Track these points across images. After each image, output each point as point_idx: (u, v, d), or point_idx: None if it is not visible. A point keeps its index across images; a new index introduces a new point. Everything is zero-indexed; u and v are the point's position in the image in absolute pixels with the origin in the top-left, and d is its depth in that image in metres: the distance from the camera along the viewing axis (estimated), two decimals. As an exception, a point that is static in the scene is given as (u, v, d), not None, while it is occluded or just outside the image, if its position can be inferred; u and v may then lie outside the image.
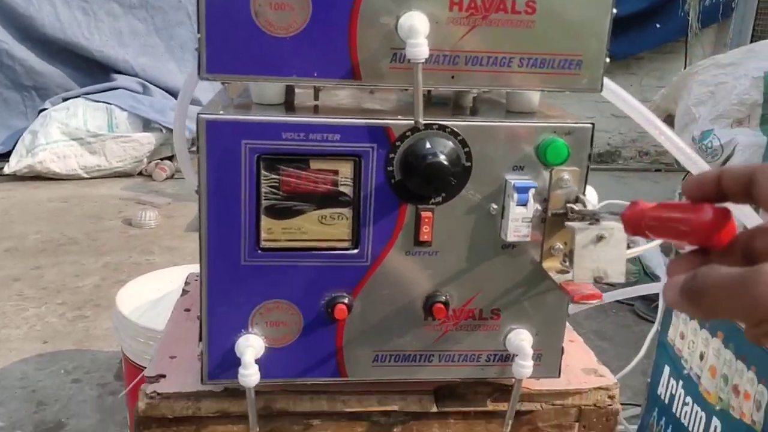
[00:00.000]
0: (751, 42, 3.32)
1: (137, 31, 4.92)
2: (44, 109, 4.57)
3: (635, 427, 1.55)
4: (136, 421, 0.76)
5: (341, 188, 0.67)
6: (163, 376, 0.78)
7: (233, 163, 0.65)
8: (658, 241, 0.86)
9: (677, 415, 1.33)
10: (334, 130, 0.65)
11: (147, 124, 4.63)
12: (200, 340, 0.71)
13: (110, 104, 4.54)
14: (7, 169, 4.39)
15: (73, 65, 4.81)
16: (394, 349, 0.74)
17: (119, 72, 4.83)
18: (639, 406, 1.60)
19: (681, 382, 1.33)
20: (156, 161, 4.69)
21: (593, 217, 0.65)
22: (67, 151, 4.44)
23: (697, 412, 1.27)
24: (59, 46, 4.74)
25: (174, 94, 4.81)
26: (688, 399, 1.30)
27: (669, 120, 3.04)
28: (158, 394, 0.75)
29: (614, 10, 0.66)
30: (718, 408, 1.21)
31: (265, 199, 0.66)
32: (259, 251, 0.68)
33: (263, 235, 0.67)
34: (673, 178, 4.48)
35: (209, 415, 0.76)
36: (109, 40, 4.82)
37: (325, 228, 0.68)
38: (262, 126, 0.64)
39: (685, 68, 3.34)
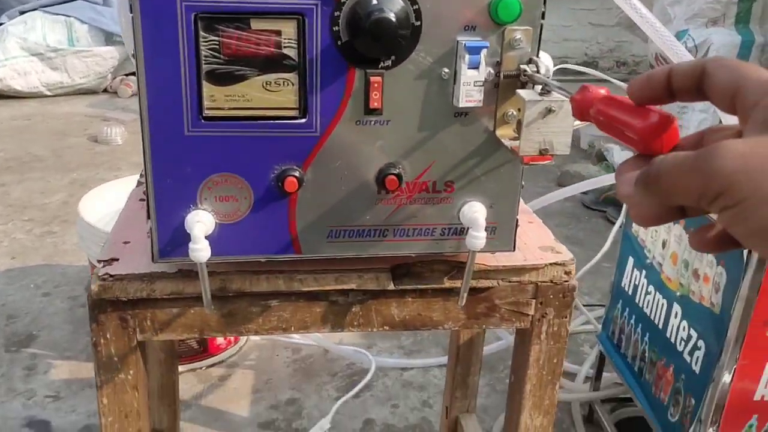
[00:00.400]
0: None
1: (93, -64, 4.68)
2: (1, 24, 4.39)
3: (600, 324, 1.58)
4: (90, 305, 0.75)
5: (285, 50, 0.64)
6: (116, 259, 0.77)
7: (169, 23, 0.61)
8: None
9: (640, 304, 1.36)
10: (274, -14, 0.61)
11: (109, 38, 4.47)
12: (148, 217, 0.70)
13: (69, 17, 4.37)
14: (-34, 86, 4.25)
15: (27, -24, 4.60)
16: (348, 225, 0.73)
17: (76, -18, 4.62)
18: (602, 306, 1.64)
19: (644, 272, 1.35)
20: (121, 77, 4.56)
21: (544, 87, 0.63)
22: (27, 67, 4.29)
23: (658, 300, 1.29)
24: (12, -44, 4.52)
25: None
26: (651, 288, 1.32)
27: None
28: (111, 276, 0.74)
29: None
30: (678, 294, 1.23)
31: (205, 63, 0.63)
32: (203, 120, 0.65)
33: (206, 103, 0.64)
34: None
35: (164, 297, 0.75)
36: (64, -53, 4.59)
37: (270, 95, 0.65)
38: (197, -20, 0.60)
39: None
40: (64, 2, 4.48)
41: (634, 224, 1.39)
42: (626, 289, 1.42)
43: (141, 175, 1.04)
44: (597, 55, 5.30)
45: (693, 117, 2.73)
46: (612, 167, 3.15)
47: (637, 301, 1.37)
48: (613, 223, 2.76)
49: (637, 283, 1.37)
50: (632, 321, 1.39)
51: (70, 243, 2.43)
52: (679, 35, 2.79)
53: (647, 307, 1.33)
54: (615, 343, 1.46)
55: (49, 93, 4.39)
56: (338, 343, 1.84)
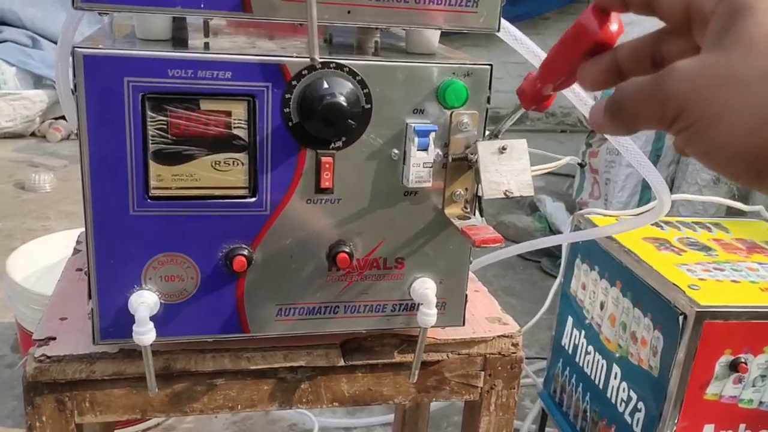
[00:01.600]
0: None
1: (24, -22, 4.58)
2: None
3: (542, 379, 1.60)
4: (26, 387, 0.71)
5: (235, 131, 0.63)
6: (53, 338, 0.73)
7: (115, 103, 0.60)
8: (561, 162, 0.87)
9: (580, 364, 1.38)
10: (226, 68, 0.61)
11: (38, 81, 4.35)
12: (89, 297, 0.67)
13: (-3, 59, 4.24)
14: None
15: (-47, 17, 4.45)
16: (298, 302, 0.72)
17: (5, 24, 4.50)
18: (546, 359, 1.66)
19: (583, 332, 1.38)
20: (50, 121, 4.43)
21: (493, 133, 0.65)
22: (-50, 110, 4.13)
23: (598, 360, 1.32)
24: (-62, -4, 4.37)
25: (68, 49, 4.53)
26: (590, 348, 1.35)
27: (572, 79, 3.11)
28: (48, 357, 0.71)
29: None
30: (617, 355, 1.25)
31: (152, 143, 0.62)
32: (149, 200, 0.63)
33: (152, 182, 0.63)
34: (577, 138, 4.62)
35: (104, 378, 0.72)
36: (-7, -12, 4.48)
37: (219, 175, 0.64)
38: (147, 61, 0.59)
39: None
40: (-8, 43, 4.37)
41: (572, 284, 1.42)
42: (566, 347, 1.45)
43: (77, 242, 1.00)
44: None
45: (620, 171, 2.83)
46: (544, 218, 3.23)
47: (577, 360, 1.39)
48: (548, 273, 2.83)
49: (576, 342, 1.40)
50: (573, 380, 1.41)
51: (-7, 298, 2.32)
52: (605, 94, 2.91)
53: (587, 366, 1.35)
54: (557, 401, 1.48)
55: (-27, 136, 4.23)
56: (278, 403, 1.80)
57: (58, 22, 4.62)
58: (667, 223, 1.38)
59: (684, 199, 1.63)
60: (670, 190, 2.94)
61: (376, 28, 0.89)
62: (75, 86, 0.59)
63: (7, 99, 4.23)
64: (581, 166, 2.84)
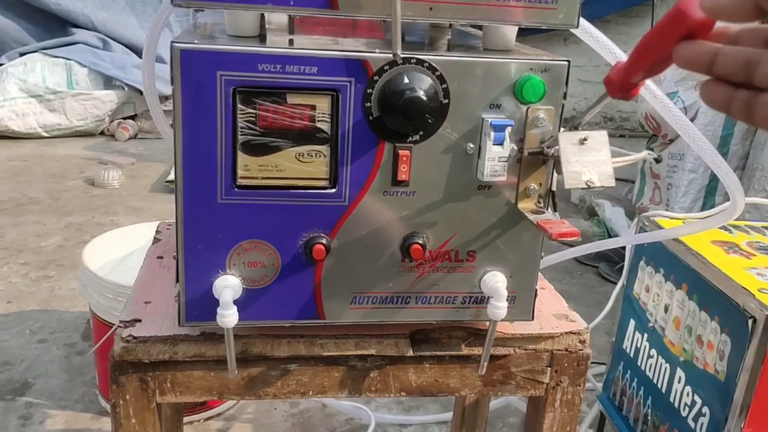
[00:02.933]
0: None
1: (96, -18, 4.75)
2: (0, 65, 4.42)
3: (601, 384, 1.59)
4: (112, 366, 0.75)
5: (319, 124, 0.66)
6: (139, 320, 0.77)
7: (208, 95, 0.63)
8: (640, 156, 0.87)
9: (642, 367, 1.37)
10: (312, 63, 0.64)
11: (108, 82, 4.50)
12: (177, 281, 0.70)
13: (69, 60, 4.40)
14: (-36, 126, 4.25)
15: (29, 19, 4.64)
16: (371, 291, 0.74)
17: (78, 26, 4.67)
18: (604, 364, 1.64)
19: (646, 335, 1.37)
20: (118, 120, 4.58)
21: (574, 124, 0.66)
22: (25, 109, 4.31)
23: (661, 364, 1.30)
24: (15, -2, 4.57)
25: (135, 50, 4.68)
26: (653, 351, 1.33)
27: (635, 82, 3.06)
28: (134, 337, 0.74)
29: None
30: (682, 359, 1.24)
31: (241, 135, 0.65)
32: (236, 189, 0.67)
33: (240, 172, 0.66)
34: (636, 144, 4.53)
35: (186, 360, 0.76)
36: (67, -8, 4.66)
37: (302, 166, 0.67)
38: (238, 56, 0.62)
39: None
40: (64, 45, 4.54)
41: (635, 287, 1.41)
42: (628, 351, 1.43)
43: (157, 231, 1.05)
44: (584, 111, 5.39)
45: (683, 176, 2.78)
46: (603, 222, 3.19)
47: (639, 363, 1.38)
48: (605, 278, 2.79)
49: (638, 345, 1.38)
50: (634, 383, 1.40)
51: (66, 288, 2.41)
52: (670, 96, 2.86)
53: (650, 370, 1.34)
54: (616, 404, 1.47)
55: (46, 134, 4.40)
56: (336, 398, 1.83)
57: (128, 25, 4.79)
58: (735, 227, 1.35)
59: (754, 203, 1.60)
60: (737, 196, 2.84)
61: (449, 26, 0.92)
62: (172, 79, 0.62)
63: (78, 99, 4.40)
64: (657, 161, 2.79)
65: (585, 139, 0.63)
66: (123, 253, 1.72)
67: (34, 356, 2.00)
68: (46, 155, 4.07)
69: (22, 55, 4.48)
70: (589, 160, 0.63)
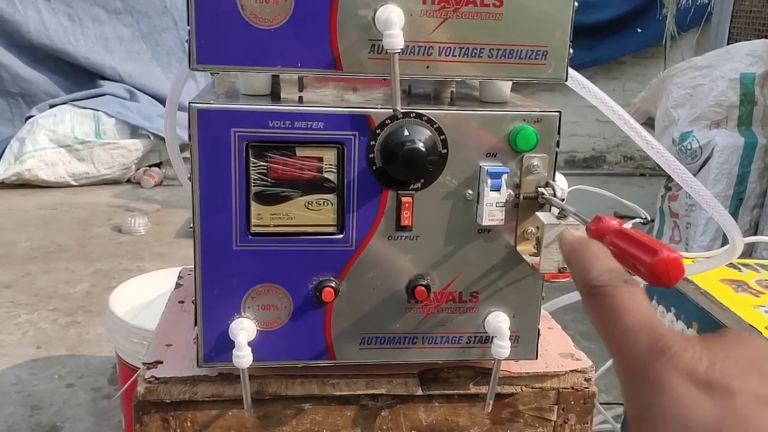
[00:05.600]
0: (728, 44, 3.39)
1: (123, 36, 4.93)
2: (31, 116, 4.59)
3: (620, 425, 1.59)
4: (135, 406, 0.79)
5: (326, 174, 0.71)
6: (161, 362, 0.81)
7: (223, 150, 0.68)
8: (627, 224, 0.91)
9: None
10: (318, 119, 0.69)
11: (134, 131, 4.65)
12: (195, 324, 0.75)
13: (97, 111, 4.56)
14: (-5, 177, 4.40)
15: (59, 72, 4.83)
16: (379, 332, 0.77)
17: (105, 78, 4.85)
18: (623, 405, 1.64)
19: (661, 372, 1.37)
20: (144, 168, 4.71)
21: (562, 212, 0.69)
22: (55, 158, 4.45)
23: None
24: (45, 53, 4.75)
25: (161, 100, 4.83)
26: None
27: (649, 122, 3.11)
28: (156, 378, 0.78)
29: (575, 3, 0.71)
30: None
31: (254, 186, 0.70)
32: (250, 236, 0.71)
33: (253, 220, 0.71)
34: (656, 183, 4.54)
35: (204, 399, 0.79)
36: (95, 46, 4.83)
37: (311, 214, 0.72)
38: (250, 114, 0.68)
39: (662, 72, 3.41)
40: (93, 97, 4.71)
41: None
42: (644, 389, 1.44)
43: (179, 276, 1.10)
44: (604, 150, 5.43)
45: (701, 215, 2.78)
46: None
47: (655, 401, 1.38)
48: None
49: (654, 383, 1.39)
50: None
51: (93, 333, 2.47)
52: (684, 136, 2.88)
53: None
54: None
55: (74, 183, 4.54)
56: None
57: (153, 76, 4.95)
58: (745, 265, 1.37)
59: (763, 242, 1.61)
60: (755, 233, 2.84)
61: (453, 81, 0.97)
62: (189, 136, 0.68)
63: (106, 148, 4.54)
64: (644, 223, 2.82)
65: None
66: (148, 299, 1.77)
67: (62, 400, 2.05)
68: (74, 203, 4.19)
69: (52, 107, 4.65)
70: None
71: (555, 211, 0.70)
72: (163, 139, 4.59)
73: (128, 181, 4.69)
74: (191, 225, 0.72)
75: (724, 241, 2.80)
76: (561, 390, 0.85)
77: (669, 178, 3.05)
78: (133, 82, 4.87)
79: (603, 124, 5.10)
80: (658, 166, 0.87)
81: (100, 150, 4.53)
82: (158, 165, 4.77)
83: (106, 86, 4.80)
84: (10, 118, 4.82)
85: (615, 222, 0.55)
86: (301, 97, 0.77)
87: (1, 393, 2.08)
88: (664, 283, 0.47)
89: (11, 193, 4.32)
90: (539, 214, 0.69)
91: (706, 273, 1.27)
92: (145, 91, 4.87)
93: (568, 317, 2.86)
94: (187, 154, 0.71)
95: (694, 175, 2.82)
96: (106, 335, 1.77)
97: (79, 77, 4.87)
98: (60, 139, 4.47)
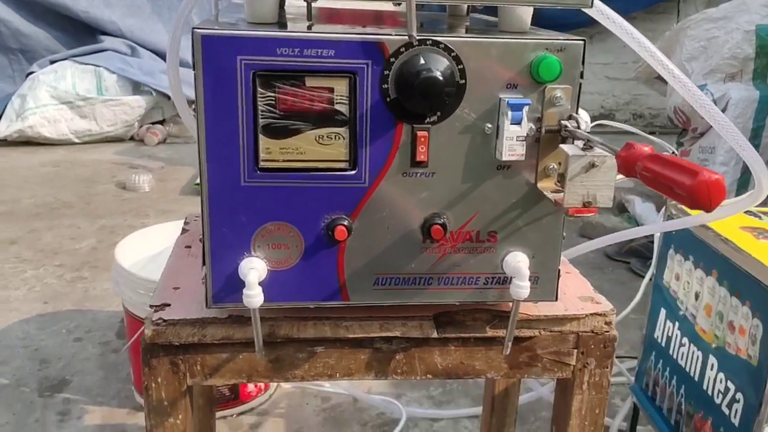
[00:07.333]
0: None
1: (123, -10, 4.84)
2: (32, 72, 4.52)
3: (632, 377, 1.57)
4: (143, 348, 0.77)
5: (337, 106, 0.67)
6: (168, 304, 0.79)
7: (229, 79, 0.64)
8: None
9: (674, 356, 1.35)
10: (329, 46, 0.65)
11: (137, 87, 4.59)
12: (203, 264, 0.72)
13: (99, 66, 4.49)
14: (-2, 133, 4.35)
15: (59, 27, 4.75)
16: (393, 273, 0.75)
17: (106, 33, 4.77)
18: (636, 358, 1.62)
19: (677, 324, 1.35)
20: (147, 125, 4.66)
21: (587, 143, 0.65)
22: (57, 115, 4.40)
23: (693, 351, 1.29)
24: (44, 7, 4.66)
25: (162, 56, 4.75)
26: (685, 340, 1.32)
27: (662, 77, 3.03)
28: (164, 321, 0.76)
29: None
30: (714, 346, 1.22)
31: (262, 118, 0.66)
32: (258, 171, 0.68)
33: (262, 155, 0.68)
34: (667, 140, 4.47)
35: (214, 342, 0.77)
36: (95, 0, 4.74)
37: (322, 148, 0.68)
38: (257, 41, 0.64)
39: (675, 25, 3.32)
40: (94, 53, 4.63)
41: (665, 275, 1.39)
42: (659, 340, 1.42)
43: (185, 222, 1.07)
44: (613, 108, 5.34)
45: (713, 170, 2.73)
46: (633, 218, 3.15)
47: (671, 352, 1.36)
48: (637, 274, 2.75)
49: (670, 334, 1.37)
50: (667, 373, 1.38)
51: (100, 288, 2.46)
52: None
53: (682, 359, 1.32)
54: (649, 395, 1.45)
55: (77, 140, 4.49)
56: (367, 392, 1.83)
57: (155, 31, 4.87)
58: (765, 213, 1.33)
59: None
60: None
61: (466, 14, 0.92)
62: (193, 64, 0.64)
63: (108, 105, 4.48)
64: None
65: (594, 164, 0.63)
66: (155, 251, 1.75)
67: (71, 354, 2.04)
68: (77, 161, 4.15)
69: (52, 62, 4.59)
70: (593, 183, 0.63)
71: (579, 143, 0.67)
72: (165, 95, 4.54)
73: (131, 138, 4.64)
74: (196, 182, 0.69)
75: (737, 195, 2.77)
76: (581, 333, 0.83)
77: (680, 134, 2.99)
78: (134, 38, 4.79)
79: (612, 81, 5.01)
80: (670, 120, 0.84)
81: (102, 107, 4.48)
82: (161, 122, 4.72)
83: (107, 41, 4.72)
84: (11, 75, 4.76)
85: (647, 148, 0.52)
86: (310, 26, 0.73)
87: (9, 347, 2.07)
88: (705, 205, 0.44)
89: (14, 151, 4.28)
90: (564, 146, 0.66)
91: (725, 221, 1.23)
92: (146, 47, 4.79)
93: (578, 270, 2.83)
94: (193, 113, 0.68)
95: (709, 128, 2.77)
96: (112, 289, 1.75)
97: (79, 33, 4.78)
98: (61, 95, 4.41)
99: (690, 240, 1.28)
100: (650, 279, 1.44)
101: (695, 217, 1.17)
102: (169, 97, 4.54)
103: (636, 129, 0.97)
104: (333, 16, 0.86)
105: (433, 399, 1.87)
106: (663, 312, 1.40)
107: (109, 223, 3.13)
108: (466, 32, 0.76)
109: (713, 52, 2.81)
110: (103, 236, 2.97)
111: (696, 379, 1.27)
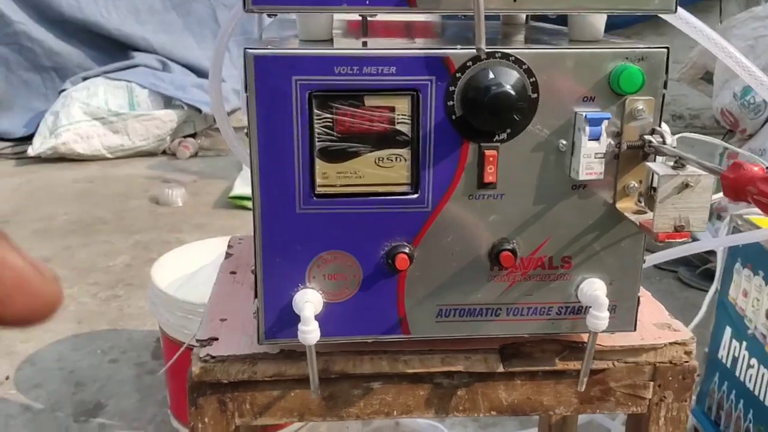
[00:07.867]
0: (790, -8, 3.19)
1: (154, 7, 4.87)
2: (64, 90, 4.56)
3: (694, 397, 1.50)
4: (190, 387, 0.72)
5: (398, 126, 0.62)
6: (216, 338, 0.74)
7: (284, 101, 0.60)
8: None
9: (741, 378, 1.27)
10: (390, 63, 0.60)
11: (168, 102, 4.59)
12: (255, 296, 0.67)
13: (130, 82, 4.51)
14: (32, 151, 4.37)
15: (91, 44, 4.79)
16: (459, 303, 0.69)
17: (138, 50, 4.80)
18: (698, 375, 1.55)
19: (744, 343, 1.27)
20: (179, 139, 4.66)
21: (678, 161, 0.59)
22: (89, 131, 4.43)
23: (764, 374, 1.21)
24: (77, 26, 4.71)
25: (193, 70, 4.77)
26: (753, 361, 1.24)
27: (707, 77, 2.94)
28: (212, 357, 0.71)
29: None
30: (783, 366, 1.15)
31: (318, 141, 0.61)
32: (315, 198, 0.63)
33: (318, 180, 0.62)
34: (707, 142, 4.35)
35: (265, 379, 0.72)
36: (127, 17, 4.78)
37: (382, 171, 0.63)
38: (314, 60, 0.59)
39: (720, 24, 3.22)
40: (126, 69, 4.66)
41: (731, 292, 1.32)
42: (724, 360, 1.34)
43: (229, 246, 1.02)
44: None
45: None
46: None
47: (737, 374, 1.29)
48: (685, 284, 2.66)
49: (736, 355, 1.29)
50: (732, 396, 1.31)
51: (135, 307, 2.44)
52: (746, 91, 2.72)
53: (750, 381, 1.24)
54: (712, 419, 1.37)
55: (109, 155, 4.51)
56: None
57: (186, 46, 4.89)
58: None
59: None
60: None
61: (525, 22, 0.87)
62: (246, 86, 0.59)
63: (140, 119, 4.49)
64: None
65: (687, 185, 0.57)
66: (191, 270, 1.71)
67: (106, 376, 2.01)
68: (110, 176, 4.16)
69: (85, 79, 4.62)
70: (687, 205, 0.57)
71: (663, 159, 0.61)
72: (197, 109, 4.55)
73: (163, 152, 4.64)
74: (230, 196, 0.64)
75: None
76: (658, 365, 0.76)
77: (726, 135, 2.89)
78: (165, 53, 4.81)
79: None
80: (717, 122, 0.79)
81: (134, 121, 4.49)
82: (193, 135, 4.72)
83: (139, 57, 4.74)
84: (44, 93, 4.80)
85: (756, 168, 0.46)
86: (365, 42, 0.68)
87: (44, 370, 2.05)
88: None
89: (48, 168, 4.30)
90: (651, 164, 0.60)
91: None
92: (177, 62, 4.80)
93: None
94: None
95: (758, 129, 2.67)
96: (148, 309, 1.72)
97: (111, 49, 4.82)
98: (94, 111, 4.44)
99: (760, 253, 1.21)
100: (715, 292, 1.36)
101: (765, 230, 1.10)
102: (200, 111, 4.54)
103: (719, 140, 0.91)
104: (380, 29, 0.82)
105: (479, 421, 1.81)
106: (728, 330, 1.32)
107: (143, 239, 3.12)
108: (533, 42, 0.71)
109: (761, 51, 2.72)
110: (137, 252, 2.95)
111: (766, 403, 1.19)
